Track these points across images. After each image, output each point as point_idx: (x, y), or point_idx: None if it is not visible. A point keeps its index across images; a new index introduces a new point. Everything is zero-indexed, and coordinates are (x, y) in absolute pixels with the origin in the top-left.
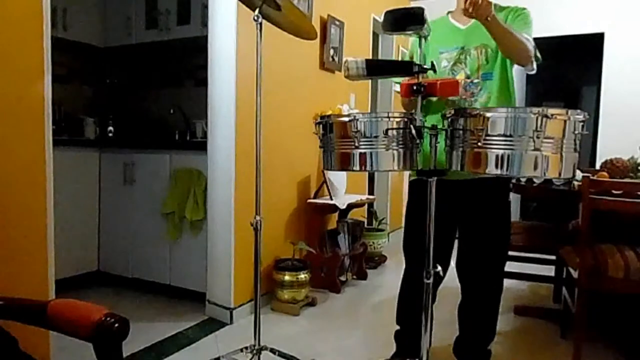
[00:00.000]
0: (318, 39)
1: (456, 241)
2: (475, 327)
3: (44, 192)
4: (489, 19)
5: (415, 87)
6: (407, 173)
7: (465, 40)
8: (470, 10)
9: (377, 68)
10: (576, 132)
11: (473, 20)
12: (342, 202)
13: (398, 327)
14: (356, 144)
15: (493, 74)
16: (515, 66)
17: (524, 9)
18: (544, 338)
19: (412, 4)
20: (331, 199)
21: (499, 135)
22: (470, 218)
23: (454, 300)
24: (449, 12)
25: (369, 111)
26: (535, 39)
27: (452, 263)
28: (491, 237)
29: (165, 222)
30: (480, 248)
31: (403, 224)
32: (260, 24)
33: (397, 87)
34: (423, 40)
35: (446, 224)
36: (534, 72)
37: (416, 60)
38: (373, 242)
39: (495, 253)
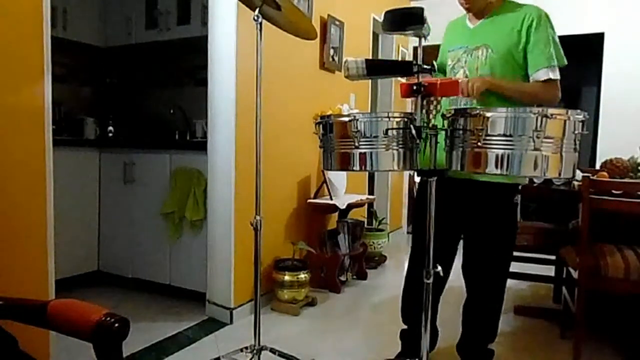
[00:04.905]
0: (318, 39)
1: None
2: (477, 326)
3: (44, 192)
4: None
5: (415, 87)
6: (407, 173)
7: (470, 40)
8: (465, 94)
9: (377, 68)
10: (576, 132)
11: (481, 20)
12: (342, 202)
13: (405, 327)
14: (356, 144)
15: (492, 75)
16: None
17: (540, 14)
18: (544, 338)
19: (412, 4)
20: (331, 199)
21: (498, 135)
22: (476, 219)
23: (457, 300)
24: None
25: (369, 111)
26: None
27: (458, 263)
28: (496, 239)
29: (165, 222)
30: (485, 249)
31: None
32: (260, 23)
33: None
34: (423, 40)
35: (451, 224)
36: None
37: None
38: (373, 242)
39: (499, 255)
